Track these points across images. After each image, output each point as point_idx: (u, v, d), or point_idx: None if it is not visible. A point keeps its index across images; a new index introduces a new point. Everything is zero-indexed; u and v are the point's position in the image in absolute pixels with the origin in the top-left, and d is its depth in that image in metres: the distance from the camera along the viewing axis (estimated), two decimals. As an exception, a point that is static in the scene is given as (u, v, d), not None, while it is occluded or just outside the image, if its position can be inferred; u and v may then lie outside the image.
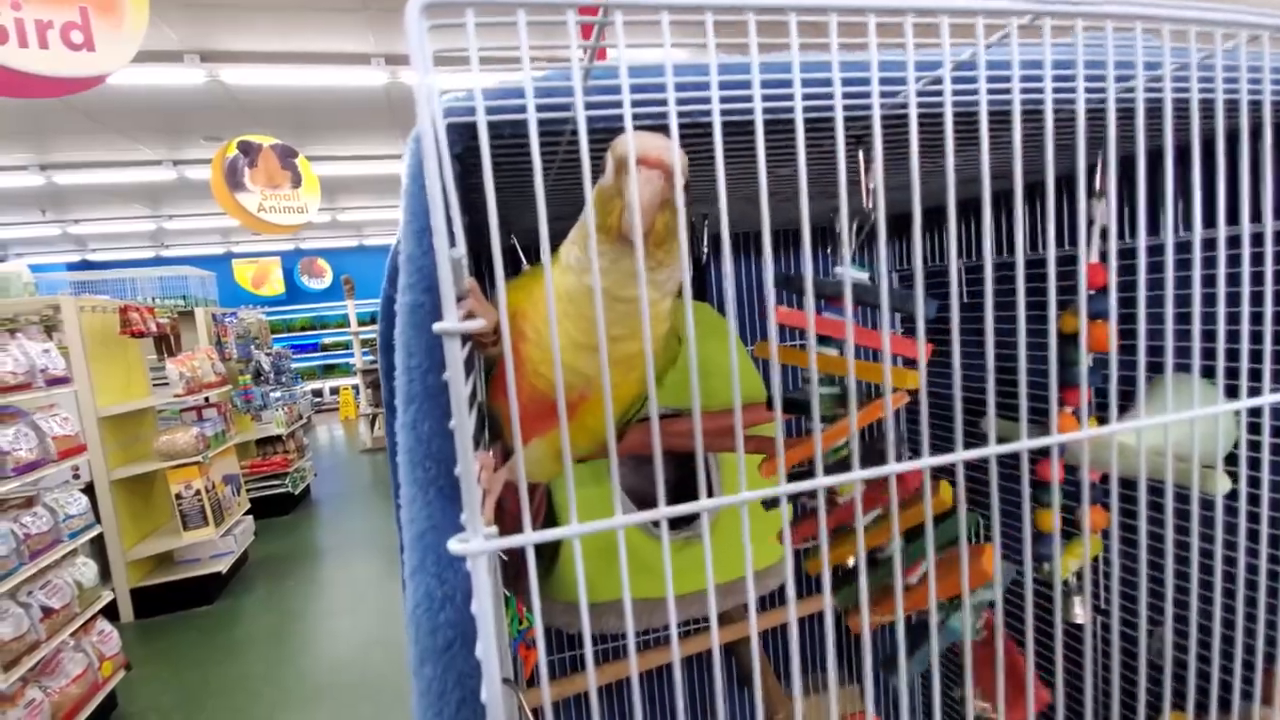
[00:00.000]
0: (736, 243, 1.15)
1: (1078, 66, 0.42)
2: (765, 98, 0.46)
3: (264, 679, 2.88)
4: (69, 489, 2.78)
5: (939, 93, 0.50)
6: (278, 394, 5.52)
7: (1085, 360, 0.81)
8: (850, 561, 0.75)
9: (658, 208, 0.41)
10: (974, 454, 0.49)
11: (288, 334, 10.48)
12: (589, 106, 0.43)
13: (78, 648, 2.52)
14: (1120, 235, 0.89)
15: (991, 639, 0.73)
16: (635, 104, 0.47)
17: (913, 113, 0.40)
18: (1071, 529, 0.99)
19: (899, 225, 1.22)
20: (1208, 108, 0.44)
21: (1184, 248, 0.75)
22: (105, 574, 3.35)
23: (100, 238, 8.79)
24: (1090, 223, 0.72)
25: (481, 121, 0.29)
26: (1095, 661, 1.03)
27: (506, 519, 0.56)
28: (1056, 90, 0.46)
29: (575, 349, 0.45)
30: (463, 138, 0.42)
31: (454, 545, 0.28)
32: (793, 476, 0.73)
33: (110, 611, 3.16)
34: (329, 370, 10.84)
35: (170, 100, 4.48)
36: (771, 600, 1.18)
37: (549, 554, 0.93)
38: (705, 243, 0.98)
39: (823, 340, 0.66)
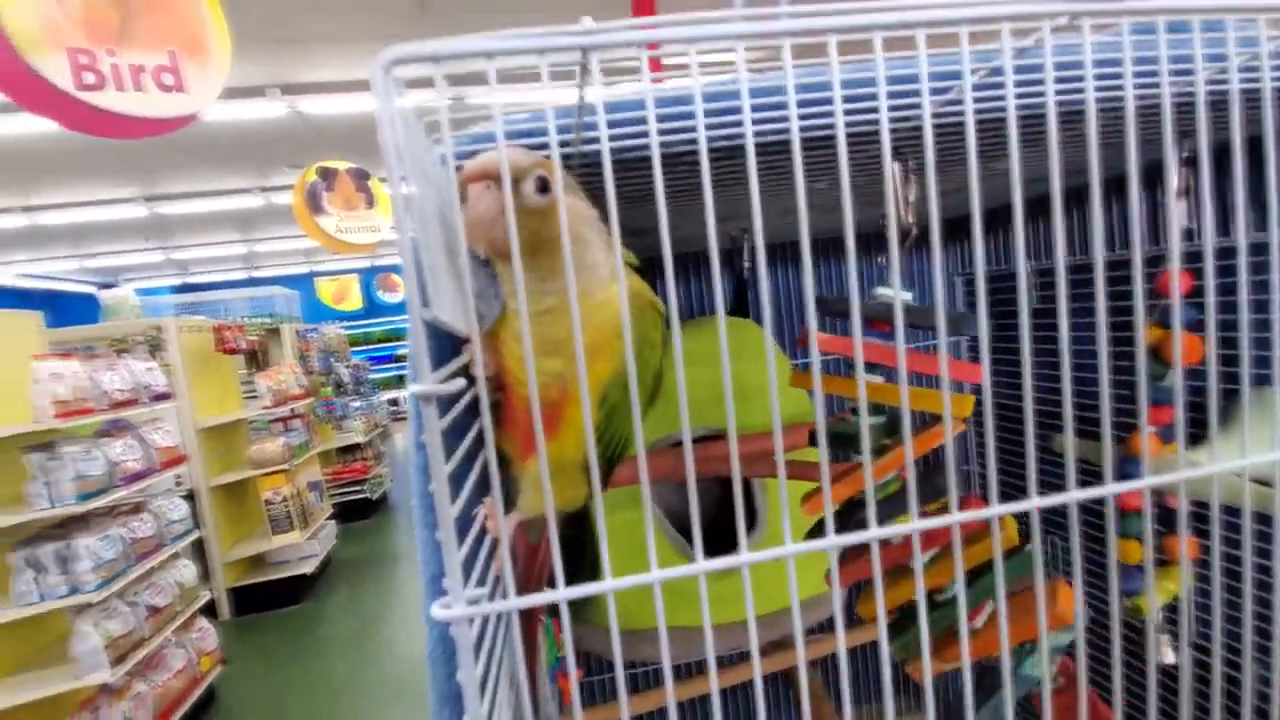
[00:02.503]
0: (778, 253, 1.11)
1: (1161, 61, 0.37)
2: (798, 116, 0.44)
3: (345, 679, 3.02)
4: (171, 496, 3.01)
5: (997, 97, 0.46)
6: (357, 404, 5.81)
7: (1179, 375, 0.73)
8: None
9: (495, 219, 0.38)
10: (1051, 501, 0.44)
11: (366, 346, 11.01)
12: (592, 141, 0.42)
13: (179, 644, 2.72)
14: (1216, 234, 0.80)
15: (1069, 687, 0.67)
16: (660, 131, 0.45)
17: (969, 119, 0.36)
18: (1160, 555, 0.89)
19: (950, 231, 1.15)
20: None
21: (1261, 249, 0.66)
22: (205, 575, 3.61)
23: (199, 261, 9.53)
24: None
25: (450, 167, 0.28)
26: (1192, 706, 0.93)
27: (522, 563, 0.55)
28: (1121, 85, 0.41)
29: (539, 355, 0.44)
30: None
31: (436, 611, 0.27)
32: (840, 512, 0.69)
33: (210, 610, 3.40)
34: (405, 380, 11.31)
35: (256, 132, 4.80)
36: (824, 627, 1.13)
37: (589, 574, 0.92)
38: (747, 256, 0.95)
39: (866, 367, 0.62)
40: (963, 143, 0.58)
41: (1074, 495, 0.44)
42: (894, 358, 0.61)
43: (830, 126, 0.45)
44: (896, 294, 0.34)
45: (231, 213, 6.88)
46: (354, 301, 11.40)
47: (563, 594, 0.30)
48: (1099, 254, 0.35)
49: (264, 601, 3.86)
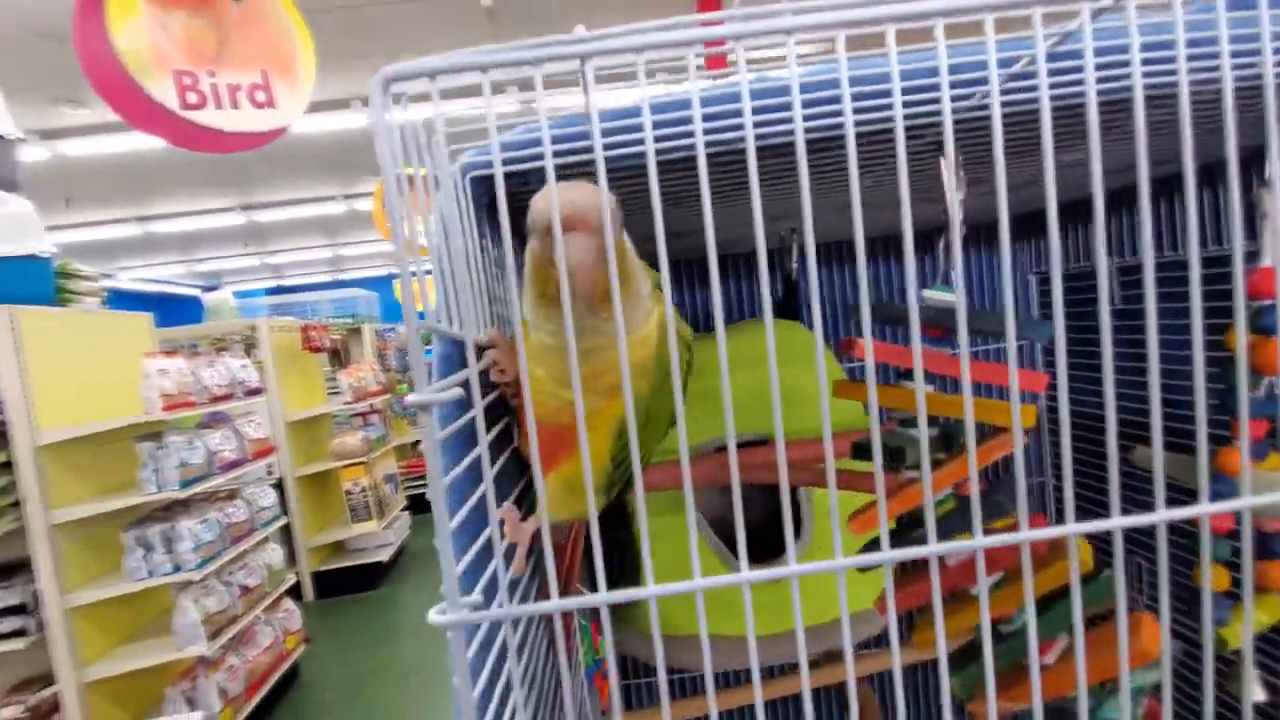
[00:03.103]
0: (829, 253, 1.08)
1: (1222, 41, 0.34)
2: (807, 116, 0.43)
3: (415, 661, 3.16)
4: (261, 485, 3.23)
5: (1031, 88, 0.43)
6: (431, 400, 6.04)
7: (1243, 382, 0.66)
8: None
9: (591, 267, 0.37)
10: (1137, 520, 0.40)
11: (442, 344, 11.44)
12: (614, 146, 0.42)
13: (267, 622, 2.91)
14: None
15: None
16: (662, 137, 0.45)
17: (995, 114, 0.34)
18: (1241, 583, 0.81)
19: (1020, 228, 1.08)
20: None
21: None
22: (290, 559, 3.85)
23: (291, 265, 10.20)
24: (1263, 217, 0.58)
25: (450, 182, 0.29)
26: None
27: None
28: (1175, 71, 0.38)
29: (557, 384, 0.44)
30: (488, 189, 0.43)
31: (433, 617, 0.28)
32: (891, 532, 0.66)
33: (295, 592, 3.63)
34: (477, 377, 11.66)
35: (339, 142, 5.08)
36: (876, 643, 1.09)
37: (630, 576, 0.92)
38: (794, 258, 0.93)
39: (909, 375, 0.59)
40: (1018, 135, 0.54)
41: (1162, 516, 0.40)
42: (936, 365, 0.57)
43: (848, 125, 0.43)
44: (912, 299, 0.33)
45: (318, 219, 7.32)
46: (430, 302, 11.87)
47: (556, 604, 0.30)
48: (1148, 255, 0.32)
49: (343, 586, 4.09)
